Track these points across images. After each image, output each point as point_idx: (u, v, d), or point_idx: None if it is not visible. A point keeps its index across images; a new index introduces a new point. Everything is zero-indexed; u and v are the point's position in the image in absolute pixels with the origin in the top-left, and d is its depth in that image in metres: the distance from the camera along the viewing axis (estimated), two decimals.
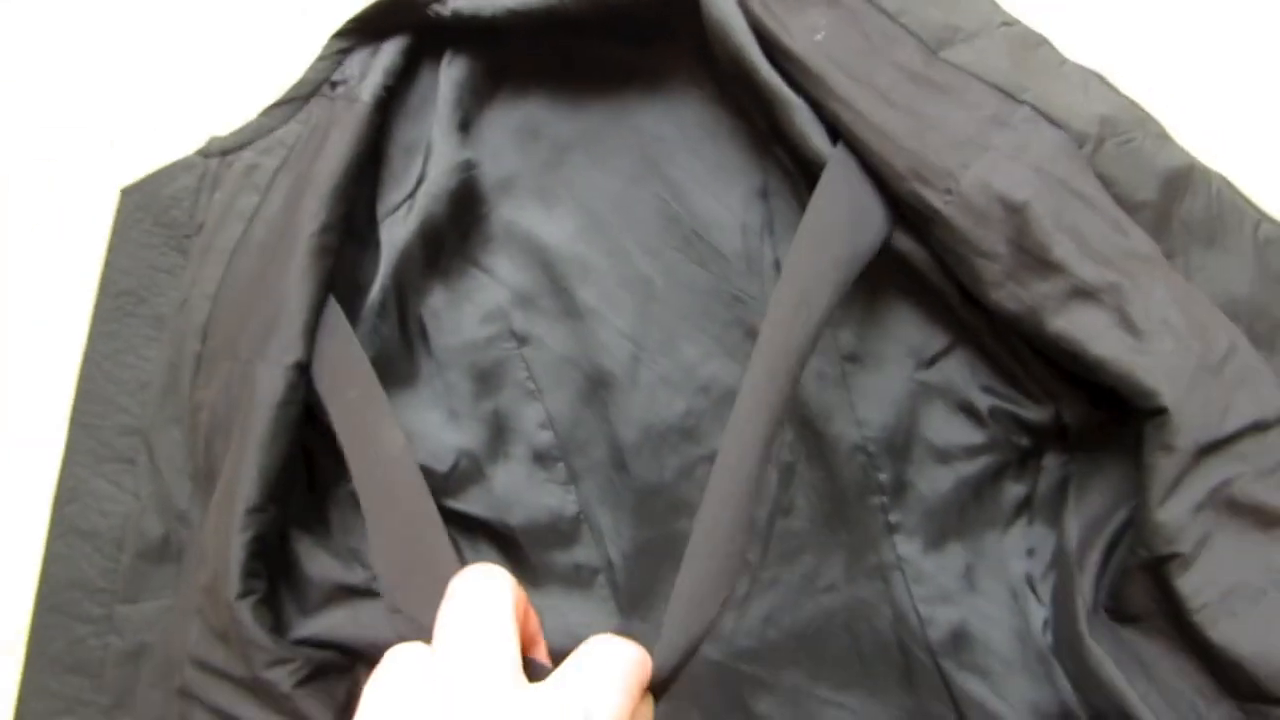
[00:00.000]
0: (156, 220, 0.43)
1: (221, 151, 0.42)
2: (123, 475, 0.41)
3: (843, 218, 0.35)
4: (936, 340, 0.38)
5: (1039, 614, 0.36)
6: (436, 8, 0.40)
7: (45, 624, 0.40)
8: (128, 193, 0.43)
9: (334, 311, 0.37)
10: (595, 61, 0.42)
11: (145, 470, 0.41)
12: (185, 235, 0.42)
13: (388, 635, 0.37)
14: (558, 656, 0.39)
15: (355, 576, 0.38)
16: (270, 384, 0.36)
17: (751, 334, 0.40)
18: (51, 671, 0.40)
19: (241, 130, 0.42)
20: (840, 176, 0.36)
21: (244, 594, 0.35)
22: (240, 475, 0.35)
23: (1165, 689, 0.33)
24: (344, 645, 0.37)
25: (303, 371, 0.36)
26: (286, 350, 0.36)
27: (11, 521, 0.44)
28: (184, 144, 0.43)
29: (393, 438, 0.35)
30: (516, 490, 0.40)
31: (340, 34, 0.41)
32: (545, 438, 0.40)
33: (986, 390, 0.38)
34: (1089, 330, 0.33)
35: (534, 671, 0.28)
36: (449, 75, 0.41)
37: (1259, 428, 0.32)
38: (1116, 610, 0.34)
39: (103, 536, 0.41)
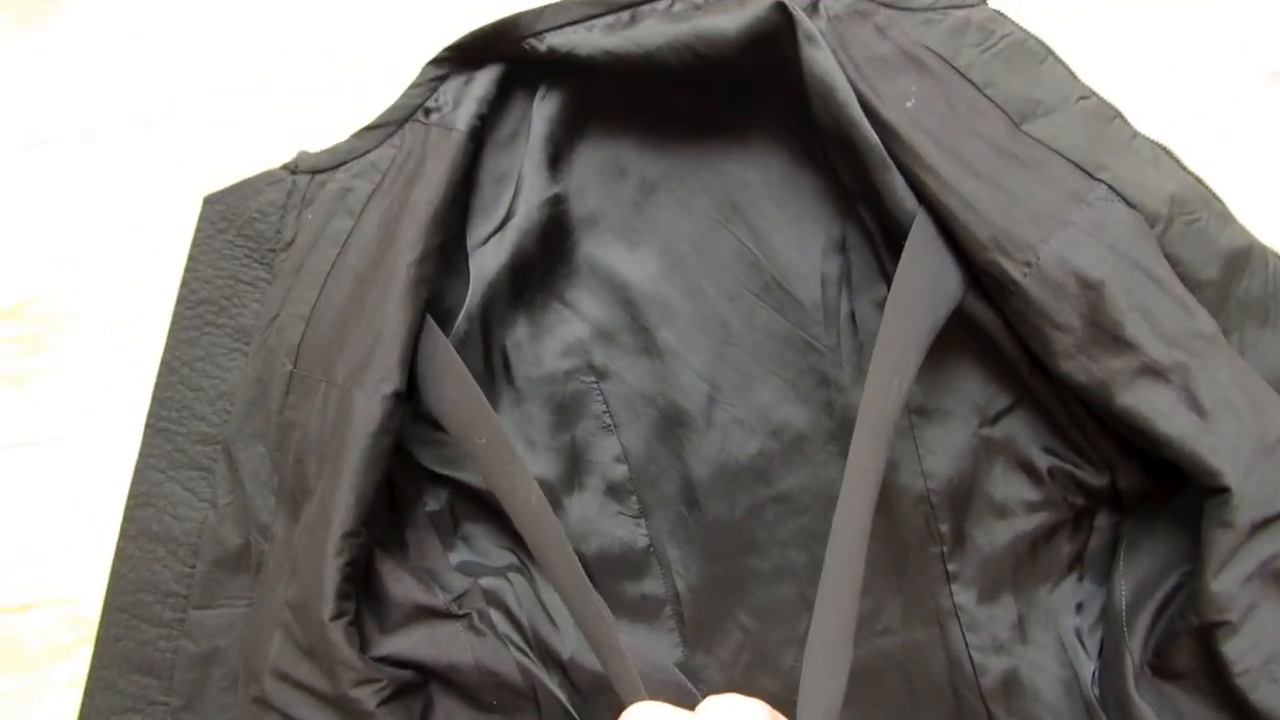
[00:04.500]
0: (240, 232, 0.43)
1: (312, 170, 0.42)
2: (198, 482, 0.42)
3: (925, 286, 0.37)
4: (1001, 399, 0.40)
5: (1087, 666, 0.38)
6: (532, 42, 0.41)
7: (114, 623, 0.41)
8: (211, 201, 0.44)
9: (438, 341, 0.38)
10: (683, 109, 0.43)
11: (224, 480, 0.41)
12: (270, 250, 0.43)
13: (464, 657, 0.39)
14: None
15: (435, 599, 0.39)
16: (368, 412, 0.37)
17: (824, 382, 0.41)
18: (120, 670, 0.41)
19: (333, 150, 0.42)
20: (921, 244, 0.38)
21: (337, 615, 0.36)
22: (336, 500, 0.36)
23: None
24: (422, 665, 0.38)
25: (399, 401, 0.37)
26: (385, 379, 0.37)
27: (87, 521, 0.44)
28: (269, 157, 0.44)
29: (529, 489, 0.36)
30: (590, 521, 0.41)
31: (436, 61, 0.42)
32: (620, 471, 0.41)
33: (1047, 450, 0.39)
34: (1157, 408, 0.35)
35: None
36: (542, 110, 0.42)
37: None
38: (1160, 667, 0.36)
39: (176, 541, 0.42)
